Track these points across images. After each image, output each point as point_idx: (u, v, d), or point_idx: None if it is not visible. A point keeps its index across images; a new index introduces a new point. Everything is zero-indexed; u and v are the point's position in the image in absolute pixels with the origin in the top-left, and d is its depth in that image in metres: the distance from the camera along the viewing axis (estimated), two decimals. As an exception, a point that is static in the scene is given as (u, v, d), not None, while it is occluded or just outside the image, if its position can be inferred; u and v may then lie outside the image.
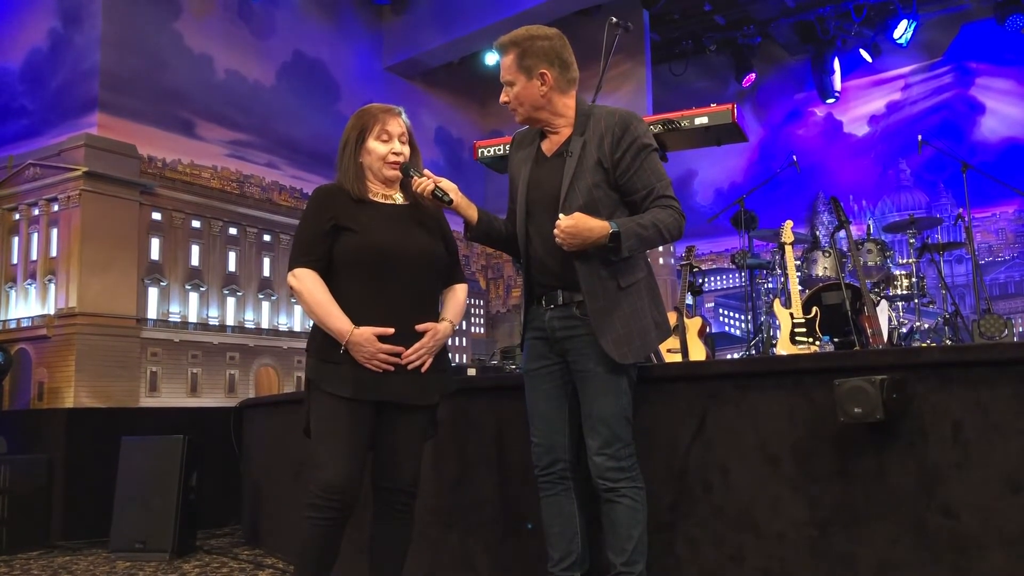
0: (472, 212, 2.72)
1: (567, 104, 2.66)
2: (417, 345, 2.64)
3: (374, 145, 2.72)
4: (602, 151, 2.57)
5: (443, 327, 2.73)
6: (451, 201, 2.64)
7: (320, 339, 2.65)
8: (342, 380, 2.58)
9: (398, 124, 2.74)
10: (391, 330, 2.59)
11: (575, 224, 2.44)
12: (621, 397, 2.56)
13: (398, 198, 2.79)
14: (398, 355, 2.60)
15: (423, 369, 2.66)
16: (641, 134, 2.60)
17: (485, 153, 4.25)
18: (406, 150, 2.75)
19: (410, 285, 2.67)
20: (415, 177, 2.67)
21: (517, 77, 2.63)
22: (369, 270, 2.64)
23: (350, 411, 2.58)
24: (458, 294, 2.88)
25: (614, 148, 2.57)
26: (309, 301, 2.64)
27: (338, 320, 2.59)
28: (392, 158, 2.72)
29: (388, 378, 2.60)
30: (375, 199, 2.74)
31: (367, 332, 2.57)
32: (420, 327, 2.66)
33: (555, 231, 2.47)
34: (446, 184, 2.66)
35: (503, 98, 2.69)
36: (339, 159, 2.76)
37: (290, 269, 2.69)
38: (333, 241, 2.66)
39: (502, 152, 4.00)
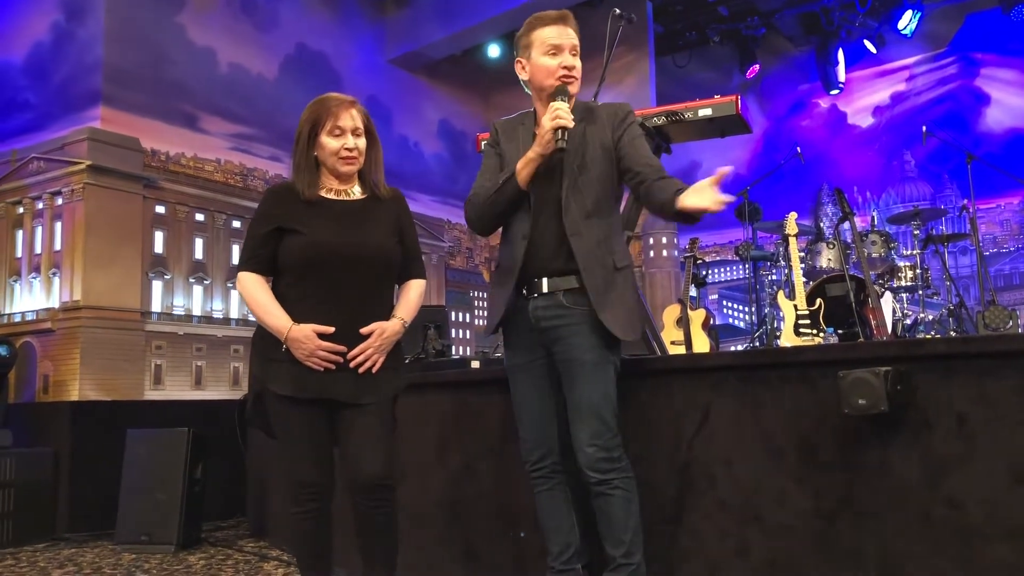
0: (529, 173, 2.57)
1: None
2: (362, 346, 2.60)
3: (326, 140, 2.65)
4: (604, 134, 2.62)
5: (391, 326, 2.67)
6: (563, 148, 2.48)
7: (263, 337, 2.65)
8: (283, 378, 2.58)
9: (351, 117, 2.66)
10: (331, 329, 2.55)
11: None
12: (608, 386, 2.55)
13: (356, 191, 2.75)
14: (343, 354, 2.57)
15: (374, 369, 2.62)
16: (636, 122, 2.67)
17: (488, 145, 4.23)
18: (361, 143, 2.68)
19: (356, 283, 2.63)
20: (559, 103, 2.49)
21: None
22: (312, 270, 2.61)
23: (298, 409, 2.58)
24: (411, 290, 2.81)
25: (615, 128, 2.62)
26: (249, 302, 2.67)
27: (277, 319, 2.58)
28: (344, 154, 2.66)
29: (331, 376, 2.57)
30: (327, 195, 2.70)
31: (306, 329, 2.55)
32: (365, 329, 2.61)
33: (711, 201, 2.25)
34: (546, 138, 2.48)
35: (571, 64, 2.59)
36: (293, 154, 2.71)
37: (237, 271, 2.71)
38: (278, 243, 2.64)
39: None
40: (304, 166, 2.68)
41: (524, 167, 2.54)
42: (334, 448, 2.66)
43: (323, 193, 2.70)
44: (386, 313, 2.71)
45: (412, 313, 2.78)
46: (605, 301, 2.53)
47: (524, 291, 2.64)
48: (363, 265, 2.64)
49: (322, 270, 2.61)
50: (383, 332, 2.64)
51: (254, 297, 2.64)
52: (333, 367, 2.56)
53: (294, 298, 2.62)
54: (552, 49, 2.59)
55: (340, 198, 2.71)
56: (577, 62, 2.61)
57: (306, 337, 2.54)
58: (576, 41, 2.62)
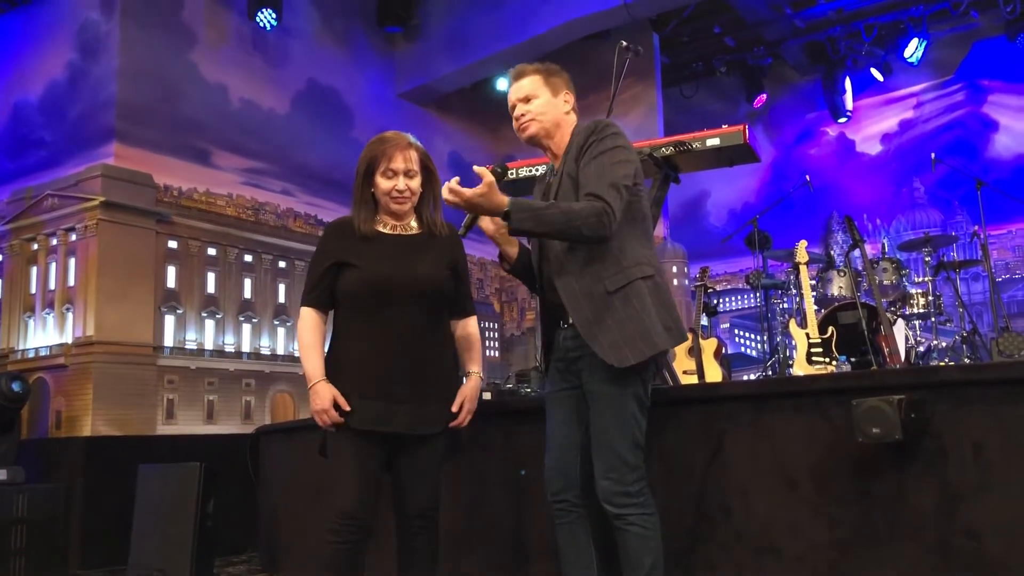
0: (511, 249, 2.75)
1: (572, 127, 2.73)
2: (460, 417, 2.76)
3: (380, 180, 2.76)
4: (572, 165, 2.61)
5: (470, 387, 2.82)
6: (460, 233, 2.70)
7: (329, 370, 2.73)
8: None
9: (403, 160, 2.75)
10: (348, 407, 2.64)
11: (460, 192, 2.43)
12: (627, 419, 2.50)
13: (413, 226, 2.85)
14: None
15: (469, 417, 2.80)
16: (601, 137, 2.57)
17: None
18: (414, 184, 2.78)
19: (410, 315, 2.71)
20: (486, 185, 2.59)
21: (542, 92, 2.69)
22: (366, 302, 2.71)
23: (354, 441, 2.66)
24: (474, 337, 2.94)
25: (579, 157, 2.59)
26: (299, 340, 2.81)
27: (313, 366, 2.71)
28: (395, 195, 2.75)
29: (390, 409, 2.66)
30: (383, 230, 2.80)
31: (329, 392, 2.65)
32: (454, 407, 2.76)
33: (444, 191, 2.46)
34: (488, 219, 2.62)
35: (519, 114, 2.69)
36: (353, 189, 2.83)
37: (300, 305, 2.84)
38: (336, 277, 2.76)
39: (514, 176, 4.02)
40: (361, 202, 2.80)
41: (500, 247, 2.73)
42: (383, 479, 2.75)
43: (379, 228, 2.81)
44: (442, 345, 2.82)
45: (481, 360, 2.94)
46: (598, 331, 2.50)
47: (560, 322, 2.67)
48: (415, 297, 2.72)
49: (376, 302, 2.70)
50: (469, 397, 2.80)
51: (302, 337, 2.78)
52: (333, 430, 2.66)
53: (350, 330, 2.74)
54: (511, 109, 2.74)
55: (396, 232, 2.82)
56: (526, 108, 2.69)
57: (324, 398, 2.65)
58: (523, 92, 2.70)
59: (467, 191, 2.40)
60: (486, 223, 2.66)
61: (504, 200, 2.41)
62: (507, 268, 2.81)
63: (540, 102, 2.69)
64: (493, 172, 2.59)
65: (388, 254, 2.74)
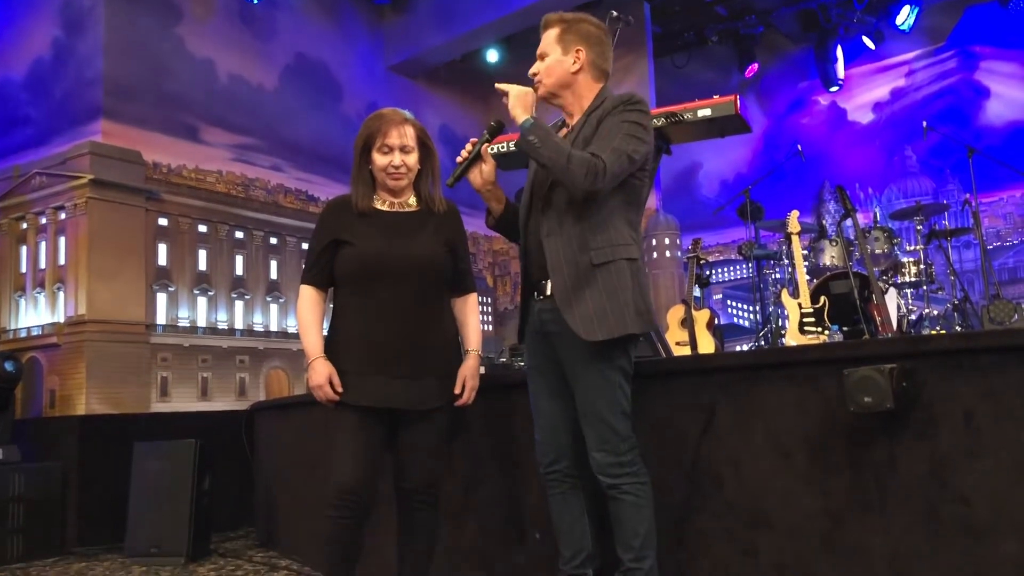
0: (496, 205, 2.75)
1: (592, 89, 2.66)
2: (464, 397, 2.78)
3: (376, 156, 2.76)
4: (591, 129, 2.55)
5: (470, 365, 2.82)
6: (448, 183, 2.71)
7: (328, 348, 2.74)
8: (343, 387, 2.68)
9: (399, 135, 2.74)
10: (336, 397, 2.66)
11: (515, 89, 2.56)
12: (614, 391, 2.50)
13: (411, 203, 2.84)
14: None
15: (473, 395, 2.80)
16: (628, 110, 2.54)
17: (489, 150, 4.21)
18: (410, 159, 2.77)
19: (406, 292, 2.71)
20: (466, 149, 2.70)
21: (553, 49, 2.65)
22: (361, 280, 2.72)
23: (356, 416, 2.67)
24: (471, 315, 2.93)
25: (602, 119, 2.54)
26: (298, 318, 2.82)
27: (311, 343, 2.72)
28: (391, 171, 2.75)
29: (389, 385, 2.67)
30: (380, 207, 2.80)
31: (327, 369, 2.66)
32: (456, 388, 2.77)
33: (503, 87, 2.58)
34: (477, 173, 2.69)
35: (532, 71, 2.68)
36: (352, 167, 2.83)
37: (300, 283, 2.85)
38: (334, 255, 2.76)
39: (505, 149, 3.98)
40: (359, 179, 2.79)
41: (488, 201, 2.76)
42: (384, 455, 2.76)
43: (377, 204, 2.81)
44: (440, 321, 2.81)
45: (480, 338, 2.94)
46: (572, 301, 2.48)
47: (535, 293, 2.65)
48: (410, 274, 2.72)
49: (372, 280, 2.70)
50: (470, 376, 2.80)
51: (301, 315, 2.79)
52: (330, 405, 2.68)
53: (347, 307, 2.75)
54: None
55: (393, 209, 2.81)
56: (540, 65, 2.67)
57: (320, 374, 2.66)
58: (540, 48, 2.68)
59: (516, 88, 2.55)
60: (474, 175, 2.67)
61: (532, 113, 2.51)
62: (491, 223, 2.82)
63: (549, 61, 2.65)
64: (489, 128, 2.69)
65: (384, 231, 2.73)
